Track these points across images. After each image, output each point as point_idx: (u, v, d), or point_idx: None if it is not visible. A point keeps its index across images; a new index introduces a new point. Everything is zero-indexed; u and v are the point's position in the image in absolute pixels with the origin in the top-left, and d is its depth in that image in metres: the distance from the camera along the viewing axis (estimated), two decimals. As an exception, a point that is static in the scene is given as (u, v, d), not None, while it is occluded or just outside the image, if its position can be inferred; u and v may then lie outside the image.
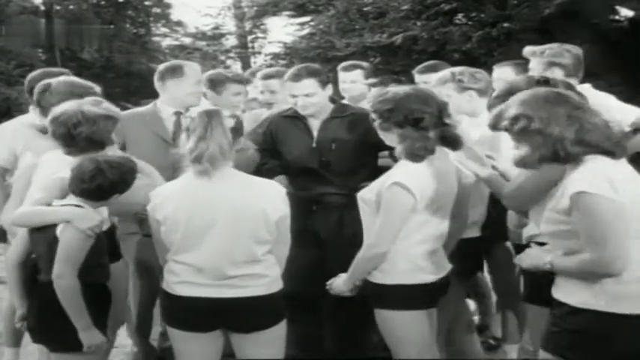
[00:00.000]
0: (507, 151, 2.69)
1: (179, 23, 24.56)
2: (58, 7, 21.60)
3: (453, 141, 2.93)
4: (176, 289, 2.81)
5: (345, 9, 14.60)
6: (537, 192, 2.63)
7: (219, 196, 2.75)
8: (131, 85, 19.70)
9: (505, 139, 2.65)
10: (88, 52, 21.24)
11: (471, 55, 11.56)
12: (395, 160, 3.01)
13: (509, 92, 2.66)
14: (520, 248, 2.88)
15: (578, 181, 2.28)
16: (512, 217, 3.22)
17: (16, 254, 2.94)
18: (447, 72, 3.80)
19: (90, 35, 21.36)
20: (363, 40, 13.62)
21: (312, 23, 16.39)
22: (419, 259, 2.88)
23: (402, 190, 2.79)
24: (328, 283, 3.08)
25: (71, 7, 21.99)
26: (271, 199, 2.83)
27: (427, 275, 2.89)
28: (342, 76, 4.92)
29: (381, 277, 2.89)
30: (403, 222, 2.83)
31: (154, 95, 4.18)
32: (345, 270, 3.00)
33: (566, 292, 2.39)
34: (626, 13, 11.74)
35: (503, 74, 4.19)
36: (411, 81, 4.50)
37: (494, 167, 3.03)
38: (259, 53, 23.62)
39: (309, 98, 3.75)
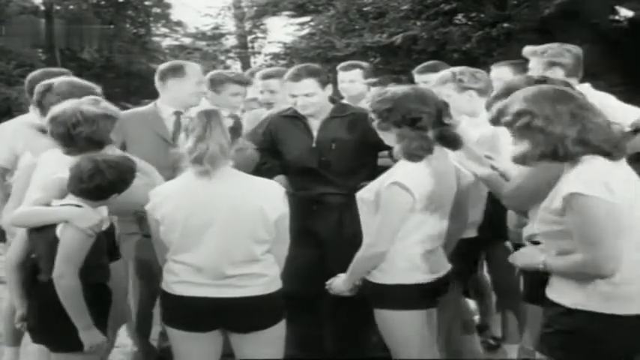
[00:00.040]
0: (507, 151, 2.69)
1: (179, 23, 24.55)
2: (58, 7, 21.60)
3: (452, 141, 2.94)
4: (175, 288, 2.81)
5: (345, 9, 14.60)
6: (537, 192, 2.63)
7: (217, 195, 2.75)
8: (131, 85, 19.69)
9: (505, 140, 2.64)
10: (88, 52, 21.24)
11: (470, 55, 11.55)
12: (395, 160, 3.01)
13: (508, 92, 2.67)
14: (520, 248, 2.88)
15: (572, 182, 2.28)
16: (512, 216, 3.22)
17: (16, 254, 2.94)
18: (447, 72, 3.81)
19: (90, 35, 21.35)
20: (362, 40, 13.62)
21: (312, 23, 16.39)
22: (418, 259, 2.88)
23: (401, 189, 2.79)
24: (328, 283, 3.08)
25: (71, 7, 21.98)
26: (270, 198, 2.83)
27: (426, 275, 2.90)
28: (341, 75, 4.93)
29: (380, 277, 2.89)
30: (402, 222, 2.83)
31: (154, 95, 4.18)
32: (344, 270, 3.00)
33: (559, 293, 2.39)
34: (626, 13, 11.74)
35: (501, 74, 4.20)
36: (411, 81, 4.50)
37: (493, 167, 3.03)
38: (259, 53, 23.63)
39: (309, 98, 3.75)
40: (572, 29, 9.72)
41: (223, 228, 2.74)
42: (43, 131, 3.25)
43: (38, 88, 3.41)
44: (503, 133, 2.58)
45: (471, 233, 3.48)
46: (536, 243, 2.64)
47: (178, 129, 3.81)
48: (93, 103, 3.02)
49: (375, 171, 3.31)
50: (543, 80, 2.88)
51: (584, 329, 2.31)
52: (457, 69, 3.80)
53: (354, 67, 4.97)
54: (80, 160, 2.80)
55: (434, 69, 4.49)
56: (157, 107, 4.06)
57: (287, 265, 2.96)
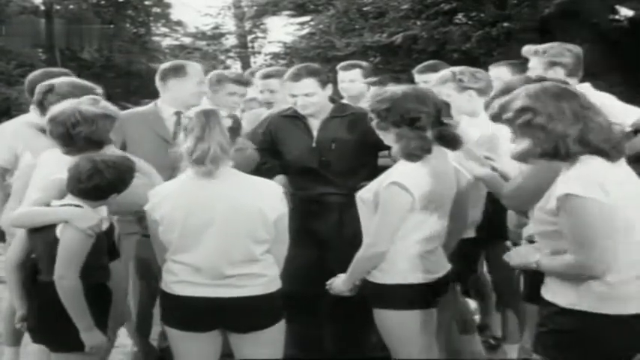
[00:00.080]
0: (507, 152, 2.68)
1: (179, 23, 24.54)
2: (58, 7, 21.58)
3: (451, 140, 2.93)
4: (174, 288, 2.81)
5: (345, 8, 14.59)
6: (537, 192, 2.62)
7: (216, 195, 2.75)
8: (131, 85, 19.69)
9: (505, 140, 2.64)
10: (88, 52, 21.23)
11: (470, 54, 11.55)
12: (395, 160, 3.01)
13: (506, 93, 2.66)
14: (518, 248, 2.88)
15: (566, 182, 2.27)
16: (512, 216, 3.22)
17: (16, 254, 2.94)
18: (447, 71, 3.80)
19: (90, 35, 21.35)
20: (362, 39, 13.62)
21: (311, 23, 16.39)
22: (418, 259, 2.87)
23: (400, 189, 2.79)
24: (328, 283, 3.08)
25: (71, 6, 21.97)
26: (269, 198, 2.82)
27: (426, 275, 2.89)
28: (340, 75, 4.94)
29: (380, 277, 2.89)
30: (401, 221, 2.83)
31: (154, 95, 4.18)
32: (344, 270, 2.99)
33: (554, 293, 2.39)
34: (626, 12, 11.74)
35: (499, 74, 4.20)
36: (411, 80, 4.50)
37: (493, 168, 3.03)
38: (259, 53, 23.62)
39: (309, 98, 3.76)
40: (572, 29, 9.71)
41: (222, 228, 2.74)
42: (43, 131, 3.25)
43: (39, 88, 3.41)
44: (503, 135, 2.57)
45: (471, 233, 3.49)
46: (531, 242, 2.64)
47: (179, 129, 3.81)
48: (92, 102, 3.02)
49: (375, 171, 3.31)
50: (542, 80, 2.88)
51: (578, 329, 2.31)
52: (457, 69, 3.80)
53: (353, 66, 4.97)
54: (79, 161, 2.79)
55: (434, 69, 4.49)
56: (157, 107, 4.06)
57: (287, 265, 2.96)
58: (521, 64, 4.09)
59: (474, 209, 3.39)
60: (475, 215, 3.45)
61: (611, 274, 2.27)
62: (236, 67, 23.00)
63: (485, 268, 4.39)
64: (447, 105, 3.00)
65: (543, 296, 2.43)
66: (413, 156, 2.84)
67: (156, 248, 2.94)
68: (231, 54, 24.73)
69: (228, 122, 2.78)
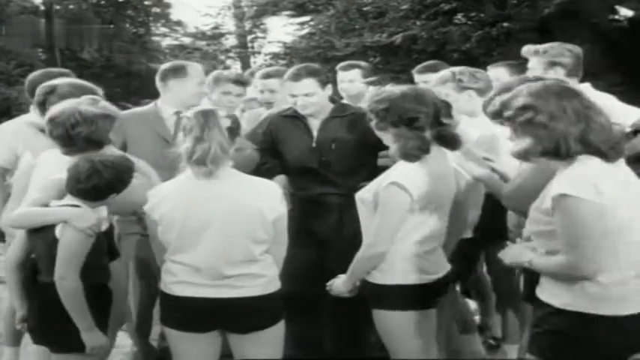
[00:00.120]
0: (506, 152, 2.68)
1: (179, 23, 24.52)
2: (58, 7, 21.56)
3: (450, 141, 2.93)
4: (173, 289, 2.81)
5: (345, 9, 14.58)
6: (537, 192, 2.63)
7: (215, 195, 2.75)
8: (131, 85, 19.66)
9: (504, 140, 2.64)
10: (88, 52, 21.20)
11: (470, 54, 11.54)
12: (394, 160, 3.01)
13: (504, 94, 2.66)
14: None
15: (561, 182, 2.27)
16: (512, 217, 3.22)
17: (16, 255, 2.94)
18: (447, 71, 3.81)
19: (90, 35, 21.33)
20: (362, 39, 13.61)
21: (311, 23, 16.37)
22: (417, 260, 2.87)
23: (399, 189, 2.79)
24: (328, 284, 3.08)
25: (71, 7, 21.95)
26: (268, 198, 2.83)
27: (426, 275, 2.89)
28: (340, 75, 4.95)
29: (379, 277, 2.89)
30: (401, 222, 2.83)
31: (154, 95, 4.18)
32: (344, 270, 3.00)
33: (549, 293, 2.39)
34: (625, 12, 11.73)
35: (498, 74, 4.21)
36: (411, 80, 4.50)
37: (493, 169, 3.03)
38: (259, 53, 23.59)
39: (309, 98, 3.76)
40: (572, 29, 9.70)
41: (221, 228, 2.74)
42: (43, 131, 3.25)
43: (41, 89, 3.40)
44: (503, 135, 2.57)
45: (468, 234, 3.49)
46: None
47: (179, 129, 3.80)
48: (91, 103, 3.02)
49: (375, 171, 3.31)
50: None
51: (572, 330, 2.31)
52: (457, 69, 3.80)
53: (353, 66, 4.99)
54: (78, 161, 2.79)
55: (434, 69, 4.49)
56: (157, 107, 4.06)
57: (287, 265, 2.96)
58: (520, 65, 4.10)
59: (474, 210, 3.39)
60: (474, 216, 3.45)
61: (606, 274, 2.27)
62: (236, 67, 22.99)
63: (485, 269, 4.39)
64: (448, 105, 2.99)
65: (538, 297, 2.43)
66: (411, 156, 2.84)
67: (155, 248, 2.94)
68: (231, 54, 24.71)
69: (226, 122, 2.78)
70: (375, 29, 13.64)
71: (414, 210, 2.82)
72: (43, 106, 3.31)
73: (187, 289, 2.78)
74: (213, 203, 2.75)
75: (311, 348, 3.79)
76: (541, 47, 3.88)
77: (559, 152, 2.31)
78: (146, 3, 23.52)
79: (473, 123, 3.64)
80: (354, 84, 4.84)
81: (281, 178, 3.77)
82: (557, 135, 2.29)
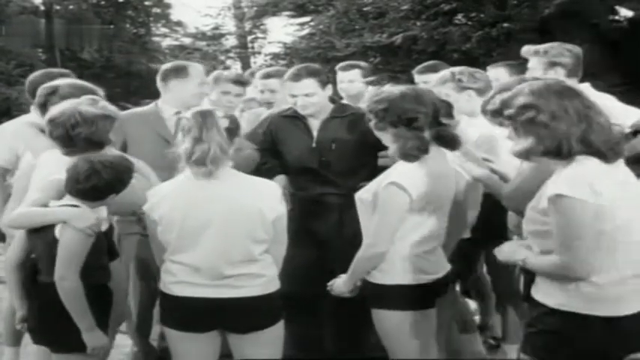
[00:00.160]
0: (506, 152, 2.68)
1: (179, 23, 24.52)
2: (58, 7, 21.56)
3: (449, 141, 2.93)
4: (173, 289, 2.81)
5: (345, 9, 14.59)
6: (536, 192, 2.63)
7: (215, 195, 2.75)
8: (131, 85, 19.66)
9: (504, 141, 2.63)
10: (88, 52, 21.21)
11: (470, 55, 11.55)
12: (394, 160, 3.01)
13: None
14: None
15: (558, 182, 2.26)
16: (512, 217, 3.22)
17: (16, 255, 2.94)
18: (446, 72, 3.81)
19: (90, 35, 21.33)
20: (362, 40, 13.61)
21: (311, 23, 16.38)
22: (416, 260, 2.88)
23: (399, 189, 2.79)
24: (329, 284, 3.08)
25: (71, 7, 21.95)
26: (268, 198, 2.83)
27: (425, 275, 2.89)
28: (340, 75, 4.96)
29: (378, 277, 2.89)
30: (400, 222, 2.83)
31: (154, 95, 4.18)
32: (345, 270, 3.00)
33: (544, 293, 2.38)
34: (625, 13, 11.73)
35: (497, 75, 4.21)
36: (411, 81, 4.51)
37: (493, 170, 3.03)
38: (259, 53, 23.59)
39: (309, 98, 3.76)
40: (572, 29, 9.70)
41: (221, 228, 2.74)
42: (43, 131, 3.25)
43: (43, 90, 3.40)
44: (502, 135, 2.57)
45: (469, 234, 3.49)
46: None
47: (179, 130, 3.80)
48: (91, 103, 3.02)
49: (375, 171, 3.31)
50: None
51: (566, 330, 2.30)
52: (456, 69, 3.80)
53: (352, 67, 4.99)
54: (77, 161, 2.80)
55: (434, 69, 4.50)
56: (158, 107, 4.06)
57: (287, 265, 2.96)
58: (520, 65, 4.10)
59: (472, 210, 3.39)
60: (473, 216, 3.45)
61: (602, 275, 2.26)
62: (236, 67, 22.98)
63: (485, 269, 4.40)
64: (449, 105, 2.99)
65: (533, 296, 2.42)
66: (410, 156, 2.84)
67: (154, 248, 2.94)
68: (231, 54, 24.71)
69: (225, 123, 2.78)
70: (375, 30, 13.65)
71: (413, 210, 2.82)
72: (44, 107, 3.31)
73: (187, 289, 2.78)
74: (213, 203, 2.75)
75: (311, 348, 3.79)
76: (541, 47, 3.89)
77: (561, 152, 2.30)
78: (146, 3, 23.52)
79: (472, 123, 3.64)
80: (354, 84, 4.85)
81: (281, 178, 3.77)
82: (558, 135, 2.28)
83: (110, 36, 21.80)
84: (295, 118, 3.88)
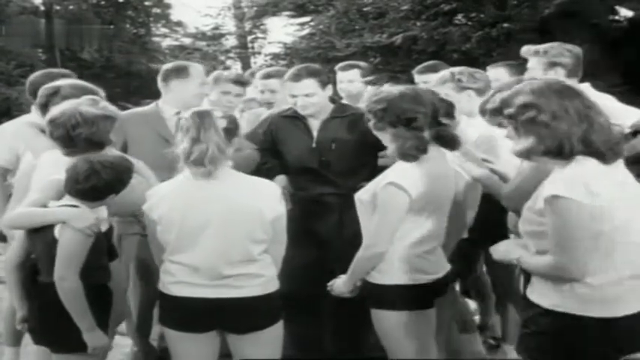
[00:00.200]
0: (506, 152, 2.68)
1: (179, 23, 24.52)
2: (58, 7, 21.56)
3: (449, 141, 2.93)
4: (172, 289, 2.81)
5: (345, 9, 14.58)
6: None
7: (214, 195, 2.75)
8: (131, 85, 19.66)
9: (503, 141, 2.63)
10: (88, 52, 21.21)
11: (470, 55, 11.54)
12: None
13: None
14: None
15: (554, 183, 2.25)
16: (511, 217, 3.22)
17: (16, 255, 2.94)
18: (446, 72, 3.81)
19: (90, 35, 21.33)
20: (362, 40, 13.61)
21: (312, 23, 16.37)
22: (416, 260, 2.88)
23: (398, 189, 2.79)
24: (329, 284, 3.08)
25: (71, 7, 21.95)
26: (267, 198, 2.83)
27: (424, 275, 2.90)
28: (339, 75, 4.96)
29: (378, 277, 2.89)
30: (399, 221, 2.83)
31: (155, 95, 4.18)
32: (345, 270, 3.00)
33: (538, 294, 2.37)
34: (625, 13, 11.73)
35: (497, 75, 4.21)
36: (411, 81, 4.51)
37: (493, 171, 3.03)
38: (259, 53, 23.58)
39: (309, 98, 3.76)
40: (572, 29, 9.70)
41: (220, 228, 2.74)
42: (44, 131, 3.25)
43: (44, 91, 3.40)
44: (501, 135, 2.56)
45: (467, 234, 3.49)
46: None
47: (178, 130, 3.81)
48: (91, 103, 3.02)
49: (375, 171, 3.31)
50: None
51: (560, 331, 2.29)
52: (456, 69, 3.80)
53: (352, 67, 5.00)
54: (76, 162, 2.80)
55: (434, 69, 4.50)
56: (158, 107, 4.06)
57: (287, 265, 2.96)
58: (520, 65, 4.10)
59: (470, 210, 3.39)
60: (471, 216, 3.45)
61: (598, 276, 2.26)
62: (236, 67, 22.97)
63: (485, 269, 4.40)
64: (451, 105, 2.99)
65: (528, 297, 2.42)
66: (408, 156, 2.84)
67: (153, 249, 2.94)
68: (232, 54, 24.70)
69: (223, 123, 2.77)
70: (375, 30, 13.64)
71: (412, 210, 2.82)
72: (45, 108, 3.31)
73: (186, 289, 2.78)
74: (212, 203, 2.75)
75: (311, 348, 3.79)
76: (541, 47, 3.89)
77: (562, 152, 2.29)
78: (146, 3, 23.53)
79: (472, 123, 3.64)
80: (354, 84, 4.85)
81: (281, 178, 3.78)
82: (559, 134, 2.27)
83: (110, 36, 21.80)
84: (295, 118, 3.88)
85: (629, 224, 2.28)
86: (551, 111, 2.28)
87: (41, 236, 2.78)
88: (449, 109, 2.96)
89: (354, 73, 4.90)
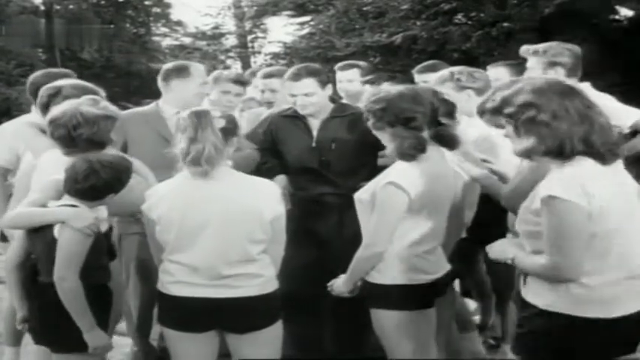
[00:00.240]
0: (505, 153, 2.68)
1: (179, 23, 24.54)
2: (58, 7, 21.58)
3: (449, 140, 2.93)
4: (171, 289, 2.81)
5: (345, 9, 14.57)
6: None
7: (213, 195, 2.75)
8: (131, 85, 19.68)
9: (503, 140, 2.63)
10: (88, 52, 21.24)
11: (470, 54, 11.53)
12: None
13: None
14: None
15: (550, 184, 2.25)
16: (512, 217, 3.22)
17: (16, 255, 2.94)
18: (445, 71, 3.81)
19: (90, 35, 21.35)
20: (362, 39, 13.59)
21: (311, 23, 16.36)
22: (415, 259, 2.88)
23: (397, 189, 2.79)
24: (329, 284, 3.08)
25: (71, 7, 21.97)
26: (266, 198, 2.82)
27: (423, 275, 2.89)
28: (338, 75, 4.96)
29: (378, 277, 2.89)
30: (398, 221, 2.83)
31: (155, 95, 4.18)
32: (345, 270, 2.99)
33: (533, 294, 2.37)
34: (625, 12, 11.72)
35: (498, 74, 4.20)
36: (411, 80, 4.51)
37: (492, 171, 3.02)
38: (259, 53, 23.59)
39: (309, 98, 3.76)
40: (572, 29, 9.69)
41: (219, 228, 2.74)
42: (44, 131, 3.25)
43: (45, 91, 3.40)
44: (501, 135, 2.56)
45: (465, 234, 3.49)
46: None
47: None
48: (92, 103, 3.02)
49: (375, 171, 3.31)
50: None
51: (555, 332, 2.29)
52: (455, 68, 3.80)
53: (351, 66, 5.00)
54: (75, 161, 2.80)
55: (433, 69, 4.49)
56: (159, 107, 4.05)
57: (287, 265, 2.96)
58: (520, 65, 4.09)
59: (469, 211, 3.39)
60: (469, 217, 3.45)
61: (593, 277, 2.25)
62: (236, 67, 22.98)
63: (485, 269, 4.40)
64: (452, 105, 2.98)
65: (523, 297, 2.42)
66: (407, 155, 2.84)
67: (152, 248, 2.94)
68: (232, 54, 24.71)
69: (220, 122, 2.76)
70: (375, 29, 13.63)
71: (412, 209, 2.82)
72: (47, 108, 3.31)
73: (185, 288, 2.78)
74: (211, 203, 2.75)
75: (311, 348, 3.79)
76: (540, 47, 3.88)
77: (563, 152, 2.28)
78: (146, 3, 23.54)
79: (473, 123, 3.63)
80: (353, 84, 4.85)
81: (281, 178, 3.78)
82: (560, 134, 2.27)
83: (110, 36, 21.82)
84: (295, 118, 3.88)
85: (625, 225, 2.28)
86: (551, 111, 2.27)
87: (41, 236, 2.79)
88: (450, 108, 2.95)
89: (354, 73, 4.90)
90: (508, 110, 2.36)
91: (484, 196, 3.29)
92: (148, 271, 3.65)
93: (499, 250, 2.53)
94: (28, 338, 3.16)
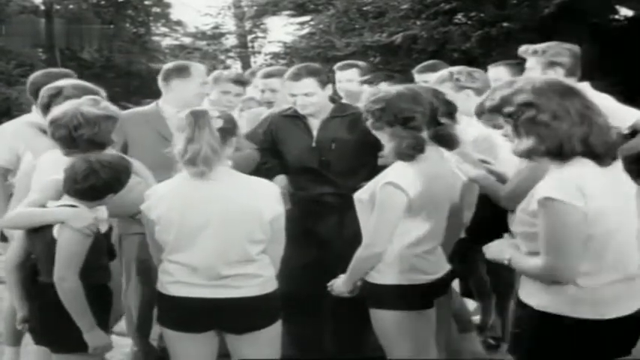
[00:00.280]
0: (504, 153, 2.68)
1: (179, 23, 24.55)
2: (58, 7, 21.59)
3: (448, 140, 2.93)
4: (170, 289, 2.81)
5: (345, 8, 14.57)
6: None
7: (212, 195, 2.75)
8: (131, 85, 19.69)
9: (503, 140, 2.64)
10: (88, 52, 21.25)
11: (470, 54, 11.53)
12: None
13: None
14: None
15: (547, 185, 2.24)
16: (511, 217, 3.23)
17: (16, 255, 2.95)
18: (445, 71, 3.81)
19: (90, 35, 21.36)
20: (362, 39, 13.59)
21: (311, 23, 16.36)
22: (415, 259, 2.88)
23: (396, 189, 2.79)
24: (329, 284, 3.08)
25: (71, 6, 21.98)
26: (265, 198, 2.82)
27: (423, 275, 2.89)
28: (338, 75, 4.96)
29: (378, 277, 2.89)
30: (398, 221, 2.83)
31: (155, 95, 4.18)
32: (345, 270, 2.99)
33: (529, 294, 2.37)
34: (626, 12, 11.72)
35: (498, 74, 4.20)
36: (411, 80, 4.51)
37: (492, 171, 3.02)
38: (259, 53, 23.60)
39: (309, 98, 3.76)
40: (571, 29, 9.69)
41: (218, 228, 2.74)
42: (44, 131, 3.25)
43: (46, 91, 3.40)
44: (500, 136, 2.56)
45: (463, 234, 3.49)
46: None
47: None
48: (92, 103, 3.02)
49: (375, 171, 3.31)
50: None
51: (550, 332, 2.29)
52: (454, 68, 3.80)
53: (350, 66, 5.00)
54: (75, 161, 2.80)
55: (433, 68, 4.49)
56: (159, 107, 4.05)
57: (287, 265, 2.96)
58: (520, 65, 4.09)
59: (467, 211, 3.39)
60: (468, 217, 3.45)
61: (589, 278, 2.25)
62: (236, 66, 22.99)
63: (485, 269, 4.40)
64: (452, 105, 2.98)
65: (519, 297, 2.42)
66: (405, 155, 2.84)
67: (152, 248, 2.94)
68: (232, 54, 24.71)
69: (219, 122, 2.76)
70: (375, 29, 13.63)
71: (411, 209, 2.82)
72: (47, 108, 3.31)
73: (184, 289, 2.78)
74: (210, 203, 2.75)
75: (311, 348, 3.79)
76: (540, 47, 3.88)
77: (562, 152, 2.28)
78: (146, 3, 23.56)
79: (473, 123, 3.63)
80: (352, 83, 4.84)
81: (281, 178, 3.78)
82: (560, 135, 2.26)
83: (110, 36, 21.84)
84: (295, 118, 3.88)
85: (621, 227, 2.28)
86: (551, 111, 2.27)
87: (40, 236, 2.79)
88: (450, 109, 2.95)
89: (353, 73, 4.90)
90: (507, 110, 2.35)
91: (483, 196, 3.29)
92: (148, 271, 3.65)
93: (496, 250, 2.53)
94: (28, 338, 3.16)
